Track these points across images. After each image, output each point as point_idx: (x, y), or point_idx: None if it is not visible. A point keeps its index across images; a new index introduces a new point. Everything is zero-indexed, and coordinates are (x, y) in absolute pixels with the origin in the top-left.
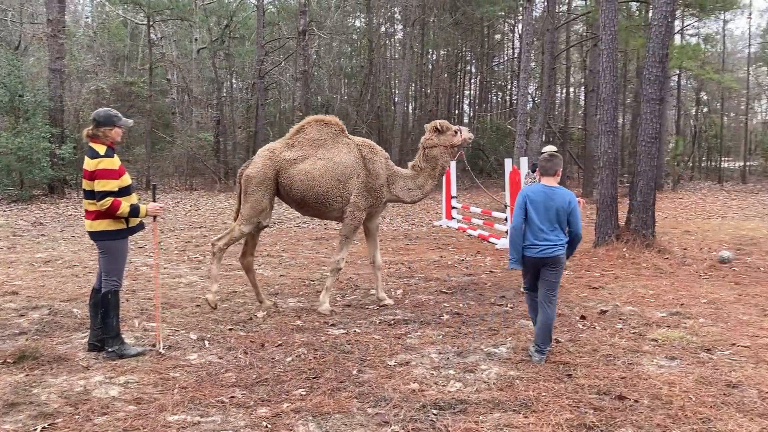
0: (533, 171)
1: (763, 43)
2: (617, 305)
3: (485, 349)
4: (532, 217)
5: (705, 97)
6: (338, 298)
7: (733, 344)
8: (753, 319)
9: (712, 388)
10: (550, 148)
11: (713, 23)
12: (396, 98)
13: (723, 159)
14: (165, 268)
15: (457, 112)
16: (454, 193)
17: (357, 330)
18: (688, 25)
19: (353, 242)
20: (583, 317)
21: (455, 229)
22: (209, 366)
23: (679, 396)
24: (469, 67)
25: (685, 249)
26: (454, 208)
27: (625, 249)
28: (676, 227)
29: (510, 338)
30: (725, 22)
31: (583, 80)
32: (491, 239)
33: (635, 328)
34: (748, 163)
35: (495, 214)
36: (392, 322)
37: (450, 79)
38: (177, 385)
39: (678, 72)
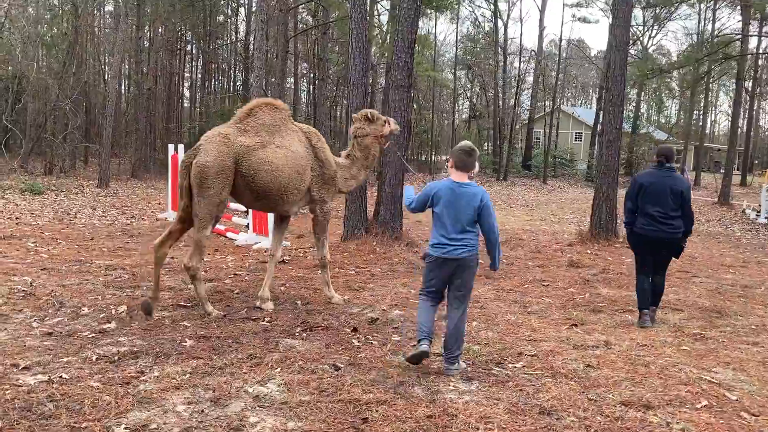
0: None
1: (464, 48)
2: (384, 309)
3: (251, 390)
4: (439, 215)
5: (416, 95)
6: (35, 323)
7: (520, 353)
8: (521, 320)
9: (528, 418)
10: (467, 143)
11: (424, 25)
12: (107, 75)
13: (433, 153)
14: None
15: (178, 93)
16: None
17: (64, 375)
18: None
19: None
20: (354, 329)
21: None
22: None
23: None
24: (190, 48)
25: (426, 240)
26: None
27: (375, 243)
28: (408, 217)
29: (279, 368)
30: (436, 25)
31: (305, 71)
32: (229, 234)
33: (413, 339)
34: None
35: (233, 206)
36: (116, 356)
37: (171, 58)
38: None
39: None
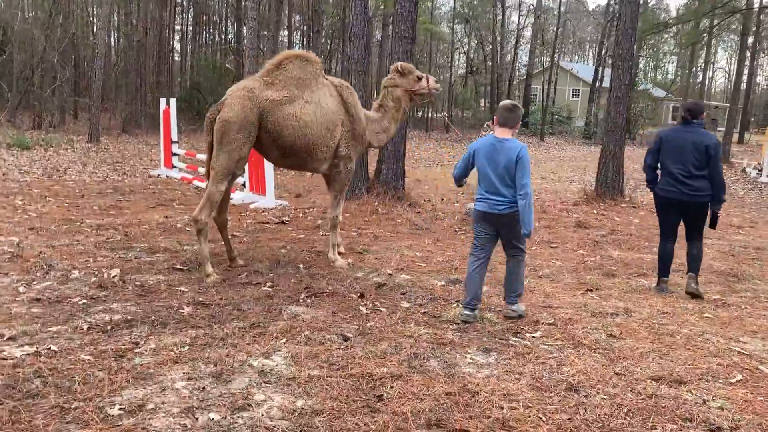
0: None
1: (461, 1)
2: (390, 274)
3: (255, 363)
4: (482, 170)
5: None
6: (22, 288)
7: (537, 322)
8: (533, 284)
9: (554, 396)
10: (509, 101)
11: None
12: (96, 26)
13: (430, 110)
14: None
15: (169, 46)
16: (174, 137)
17: (53, 347)
18: None
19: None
20: (361, 295)
21: (178, 180)
22: None
23: (530, 421)
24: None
25: (428, 200)
26: (175, 154)
27: (377, 203)
28: (407, 176)
29: (284, 338)
30: None
31: (299, 24)
32: None
33: (423, 306)
34: (451, 114)
35: None
36: (109, 325)
37: (161, 9)
38: None
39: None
